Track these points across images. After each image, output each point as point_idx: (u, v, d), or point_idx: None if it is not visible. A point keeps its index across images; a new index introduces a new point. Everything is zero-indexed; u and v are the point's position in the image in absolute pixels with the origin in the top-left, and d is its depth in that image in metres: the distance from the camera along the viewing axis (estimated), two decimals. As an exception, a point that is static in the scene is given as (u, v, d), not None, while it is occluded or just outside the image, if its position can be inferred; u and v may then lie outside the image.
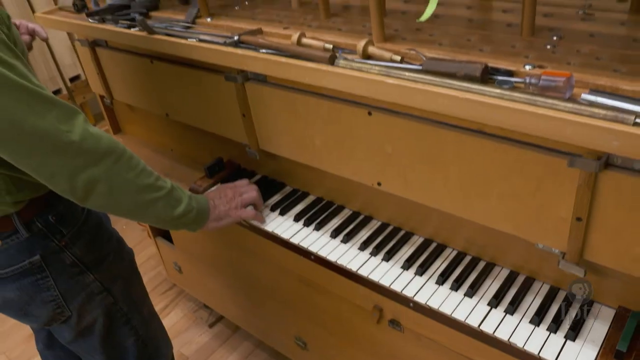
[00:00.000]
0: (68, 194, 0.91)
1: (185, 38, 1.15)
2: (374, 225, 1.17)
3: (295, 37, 0.97)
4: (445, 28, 0.97)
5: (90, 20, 1.43)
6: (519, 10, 0.92)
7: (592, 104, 0.70)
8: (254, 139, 1.22)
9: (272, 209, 1.26)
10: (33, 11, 2.57)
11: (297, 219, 1.21)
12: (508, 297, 0.95)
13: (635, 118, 0.65)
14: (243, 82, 1.13)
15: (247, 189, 1.23)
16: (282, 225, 1.21)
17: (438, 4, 0.84)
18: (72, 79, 2.79)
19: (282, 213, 1.24)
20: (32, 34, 1.29)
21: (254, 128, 1.20)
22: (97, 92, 1.74)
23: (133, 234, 2.45)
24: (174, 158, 1.65)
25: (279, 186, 1.33)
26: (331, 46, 0.94)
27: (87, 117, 1.05)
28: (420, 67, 0.82)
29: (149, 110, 1.55)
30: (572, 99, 0.72)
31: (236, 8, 1.27)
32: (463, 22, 0.99)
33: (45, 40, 1.32)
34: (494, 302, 0.94)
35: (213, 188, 1.34)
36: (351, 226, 1.17)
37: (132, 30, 1.27)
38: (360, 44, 0.89)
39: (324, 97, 1.00)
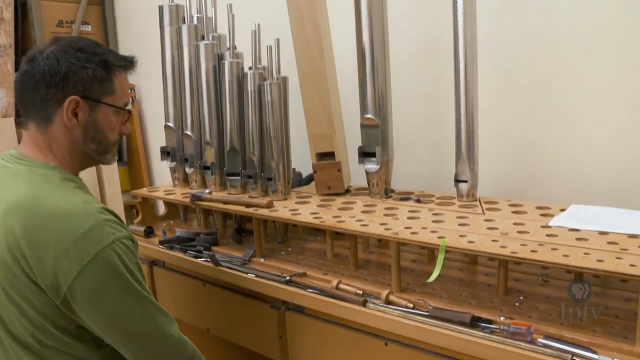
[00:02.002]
0: None
1: (246, 273, 1.51)
2: None
3: (334, 282, 1.34)
4: (444, 285, 1.34)
5: (160, 246, 1.81)
6: (497, 275, 1.30)
7: (545, 345, 1.04)
8: (287, 357, 1.51)
9: (295, 419, 1.50)
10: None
11: None
12: None
13: (572, 356, 0.99)
14: (285, 310, 1.47)
15: None
16: None
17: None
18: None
19: (303, 423, 1.48)
20: None
21: (288, 348, 1.50)
22: (143, 304, 2.04)
23: None
24: (202, 368, 1.90)
25: (300, 400, 1.59)
26: (361, 292, 1.30)
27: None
28: (427, 313, 1.17)
29: (190, 324, 1.85)
30: (532, 342, 1.05)
31: (282, 253, 1.66)
32: (456, 281, 1.37)
33: None
34: None
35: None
36: None
37: (199, 260, 1.65)
38: (384, 293, 1.25)
39: (350, 328, 1.32)
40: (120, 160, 3.27)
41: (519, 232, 1.26)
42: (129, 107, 1.33)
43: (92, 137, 1.25)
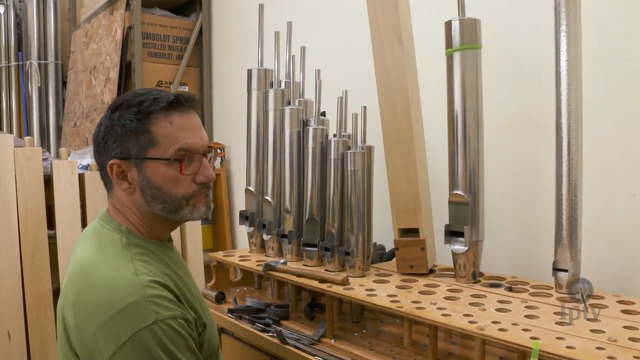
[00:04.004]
0: None
1: (313, 354, 1.39)
2: None
3: (409, 377, 1.19)
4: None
5: (229, 315, 1.73)
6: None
7: None
8: None
9: None
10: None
11: None
12: None
13: None
14: (353, 401, 1.33)
15: None
16: None
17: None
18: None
19: None
20: None
21: None
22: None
23: None
24: None
25: None
26: (439, 392, 1.15)
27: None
28: None
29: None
30: None
31: (355, 334, 1.53)
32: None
33: None
34: None
35: None
36: None
37: (266, 335, 1.55)
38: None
39: None
40: (204, 219, 3.28)
41: (631, 339, 1.06)
42: (197, 149, 1.17)
43: (153, 196, 1.15)
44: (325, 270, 1.64)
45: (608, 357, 0.98)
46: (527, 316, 1.21)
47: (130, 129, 1.12)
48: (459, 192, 1.47)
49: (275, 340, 1.49)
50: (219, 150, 3.19)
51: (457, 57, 1.47)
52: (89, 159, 3.02)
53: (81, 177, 2.59)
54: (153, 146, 1.13)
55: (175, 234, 3.02)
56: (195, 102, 1.19)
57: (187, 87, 3.31)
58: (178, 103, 1.14)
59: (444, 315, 1.21)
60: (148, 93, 1.15)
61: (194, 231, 3.05)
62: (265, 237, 1.90)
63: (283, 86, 1.92)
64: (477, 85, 1.48)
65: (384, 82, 1.58)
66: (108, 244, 1.15)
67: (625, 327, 1.14)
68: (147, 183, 1.14)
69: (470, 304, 1.30)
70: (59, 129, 4.12)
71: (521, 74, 1.71)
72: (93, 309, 1.03)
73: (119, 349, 0.99)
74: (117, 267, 1.08)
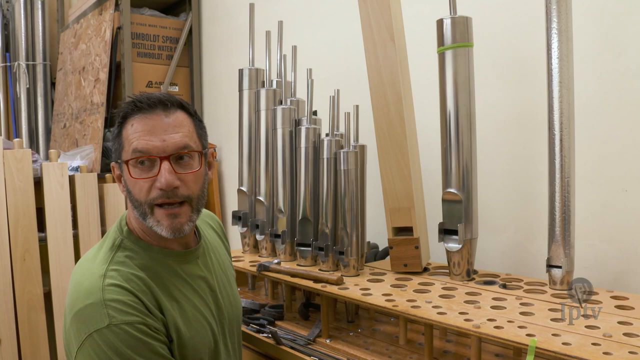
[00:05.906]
0: None
1: (309, 354, 1.39)
2: None
3: (406, 376, 1.19)
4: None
5: (223, 318, 1.72)
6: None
7: None
8: None
9: None
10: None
11: None
12: None
13: None
14: (350, 400, 1.33)
15: None
16: None
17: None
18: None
19: None
20: None
21: None
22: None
23: None
24: None
25: None
26: (436, 391, 1.15)
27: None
28: None
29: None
30: None
31: (351, 334, 1.52)
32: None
33: None
34: None
35: None
36: None
37: (261, 336, 1.54)
38: (462, 395, 1.09)
39: None
40: (197, 219, 3.26)
41: (625, 334, 1.07)
42: (147, 152, 1.09)
43: (130, 199, 1.14)
44: (319, 269, 1.64)
45: (604, 353, 0.98)
46: (522, 313, 1.21)
47: (114, 132, 1.16)
48: (452, 190, 1.47)
49: (271, 341, 1.49)
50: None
51: (449, 55, 1.47)
52: (79, 160, 2.99)
53: (72, 179, 2.57)
54: (122, 149, 1.13)
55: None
56: (157, 101, 1.11)
57: (177, 87, 3.30)
58: (133, 104, 1.11)
59: (439, 313, 1.21)
60: (139, 95, 1.14)
61: (186, 232, 3.03)
62: (258, 237, 1.89)
63: (275, 86, 1.91)
64: (470, 83, 1.48)
65: (376, 80, 1.58)
66: (106, 242, 1.17)
67: (619, 322, 1.14)
68: (125, 186, 1.15)
69: (466, 301, 1.31)
70: (48, 131, 4.08)
71: (513, 72, 1.72)
72: (67, 306, 1.09)
73: (81, 346, 1.02)
74: (89, 268, 1.11)
